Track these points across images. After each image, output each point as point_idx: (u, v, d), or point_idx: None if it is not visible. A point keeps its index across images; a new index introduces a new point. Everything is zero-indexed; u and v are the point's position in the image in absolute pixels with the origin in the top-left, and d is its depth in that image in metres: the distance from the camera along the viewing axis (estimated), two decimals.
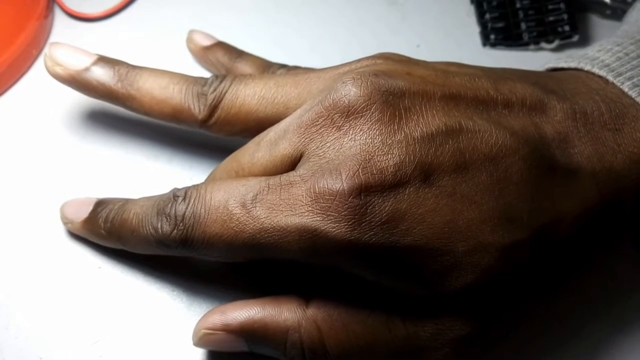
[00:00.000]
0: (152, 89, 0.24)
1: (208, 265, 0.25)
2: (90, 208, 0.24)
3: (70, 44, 0.26)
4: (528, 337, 0.24)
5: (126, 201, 0.23)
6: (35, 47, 0.30)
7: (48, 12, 0.31)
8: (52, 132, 0.28)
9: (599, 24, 0.33)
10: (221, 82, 0.24)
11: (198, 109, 0.24)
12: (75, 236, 0.25)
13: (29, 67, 0.30)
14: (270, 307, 0.21)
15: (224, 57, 0.28)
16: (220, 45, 0.29)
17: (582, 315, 0.25)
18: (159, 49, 0.31)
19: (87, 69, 0.25)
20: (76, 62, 0.25)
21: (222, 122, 0.24)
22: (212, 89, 0.24)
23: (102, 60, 0.25)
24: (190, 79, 0.25)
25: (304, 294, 0.22)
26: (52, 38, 0.31)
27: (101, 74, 0.25)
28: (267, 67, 0.27)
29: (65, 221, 0.25)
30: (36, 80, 0.30)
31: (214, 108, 0.24)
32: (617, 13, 0.33)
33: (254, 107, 0.23)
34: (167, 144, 0.28)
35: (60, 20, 0.32)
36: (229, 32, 0.31)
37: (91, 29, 0.31)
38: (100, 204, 0.24)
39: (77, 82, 0.25)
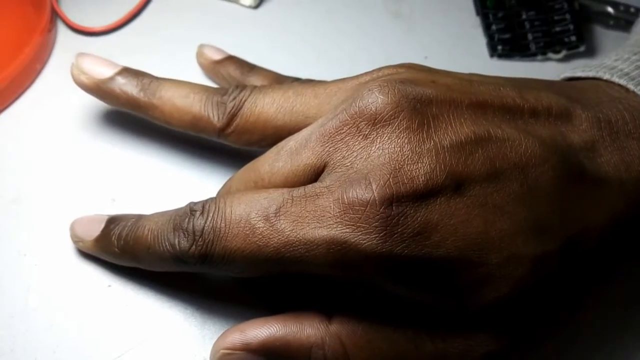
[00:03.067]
0: (173, 98, 0.25)
1: (221, 282, 0.24)
2: (102, 226, 0.23)
3: (97, 55, 0.26)
4: (551, 349, 0.24)
5: (139, 217, 0.23)
6: (39, 62, 0.30)
7: (51, 26, 0.31)
8: (56, 146, 0.28)
9: (603, 34, 0.33)
10: (241, 91, 0.24)
11: (217, 117, 0.24)
12: (84, 253, 0.25)
13: (32, 82, 0.29)
14: (292, 324, 0.21)
15: (235, 71, 0.28)
16: (232, 59, 0.29)
17: (602, 324, 0.24)
18: (162, 64, 0.30)
19: (111, 79, 0.25)
20: (101, 71, 0.25)
21: (240, 131, 0.23)
22: (231, 97, 0.24)
23: (127, 70, 0.26)
24: (210, 89, 0.25)
25: (325, 309, 0.21)
26: (56, 52, 0.31)
27: (125, 84, 0.25)
28: (280, 81, 0.27)
29: (76, 239, 0.24)
30: (40, 95, 0.29)
31: (232, 116, 0.23)
32: (621, 23, 0.33)
33: (272, 115, 0.23)
34: (178, 152, 0.28)
35: (63, 34, 0.31)
36: (237, 46, 0.31)
37: (94, 43, 0.31)
38: (112, 221, 0.23)
39: (101, 91, 0.25)
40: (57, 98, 0.29)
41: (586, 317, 0.24)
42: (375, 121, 0.20)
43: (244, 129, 0.23)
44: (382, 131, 0.20)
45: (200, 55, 0.29)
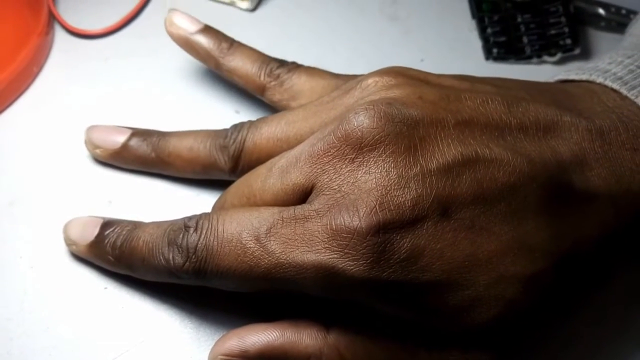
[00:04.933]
0: (181, 153, 0.25)
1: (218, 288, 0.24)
2: (97, 231, 0.23)
3: (104, 125, 0.27)
4: (551, 351, 0.24)
5: (134, 226, 0.23)
6: (36, 65, 0.30)
7: (49, 29, 0.31)
8: (53, 149, 0.28)
9: (596, 37, 0.33)
10: (239, 132, 0.24)
11: (224, 162, 0.24)
12: (80, 256, 0.25)
13: (29, 85, 0.30)
14: (290, 332, 0.21)
15: (213, 46, 0.27)
16: (209, 31, 0.27)
17: (600, 331, 0.25)
18: (159, 67, 0.31)
19: (124, 147, 0.26)
20: (112, 142, 0.26)
21: (248, 169, 0.24)
22: (231, 140, 0.24)
23: (135, 134, 0.26)
24: (211, 134, 0.25)
25: (322, 317, 0.21)
26: (53, 55, 0.31)
27: (136, 149, 0.26)
28: (262, 63, 0.26)
29: (69, 242, 0.24)
30: (37, 97, 0.29)
31: (237, 158, 0.24)
32: (612, 25, 0.33)
33: (271, 149, 0.23)
34: None
35: (61, 37, 0.31)
36: None
37: (92, 45, 0.31)
38: (106, 225, 0.23)
39: (117, 159, 0.27)
40: (54, 100, 0.29)
41: (585, 319, 0.24)
42: (361, 146, 0.20)
43: (250, 167, 0.24)
44: (369, 156, 0.20)
45: (169, 24, 0.27)
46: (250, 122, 0.25)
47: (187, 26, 0.27)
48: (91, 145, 0.27)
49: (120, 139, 0.26)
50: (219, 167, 0.25)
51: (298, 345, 0.21)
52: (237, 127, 0.25)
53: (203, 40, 0.27)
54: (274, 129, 0.24)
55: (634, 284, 0.26)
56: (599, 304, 0.25)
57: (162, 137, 0.26)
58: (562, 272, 0.20)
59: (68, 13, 0.32)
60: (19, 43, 0.29)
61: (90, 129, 0.27)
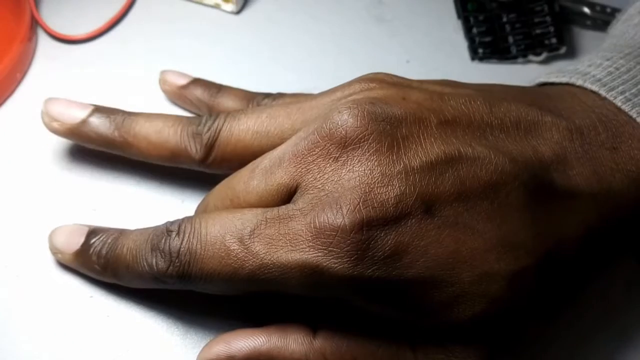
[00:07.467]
0: (148, 134, 0.24)
1: (204, 292, 0.24)
2: (82, 239, 0.23)
3: (65, 98, 0.25)
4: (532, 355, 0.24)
5: (119, 234, 0.23)
6: (20, 71, 0.29)
7: (32, 35, 0.30)
8: (37, 155, 0.28)
9: (580, 35, 0.33)
10: (215, 120, 0.24)
11: (195, 150, 0.24)
12: (66, 264, 0.25)
13: (13, 91, 0.29)
14: (276, 337, 0.21)
15: (203, 94, 0.27)
16: (198, 81, 0.28)
17: (586, 329, 0.25)
18: (144, 71, 0.30)
19: (83, 122, 0.25)
20: (72, 116, 0.25)
21: (220, 160, 0.23)
22: (206, 128, 0.23)
23: (98, 110, 0.25)
24: (184, 120, 0.24)
25: (310, 321, 0.21)
26: (37, 61, 0.30)
27: (98, 125, 0.25)
28: (250, 99, 0.27)
29: (55, 251, 0.24)
30: (21, 103, 0.29)
31: (210, 147, 0.23)
32: (597, 23, 0.33)
33: (249, 142, 0.23)
34: (156, 167, 0.27)
35: (44, 43, 0.31)
36: (219, 52, 0.31)
37: (75, 50, 0.31)
38: (92, 234, 0.23)
39: (76, 136, 0.25)
40: (38, 106, 0.29)
41: (585, 318, 0.25)
42: (345, 144, 0.20)
43: (223, 158, 0.23)
44: (352, 154, 0.20)
45: (163, 82, 0.29)
46: (227, 113, 0.24)
47: (179, 80, 0.28)
48: (47, 117, 0.25)
49: (81, 114, 0.25)
50: (188, 155, 0.24)
51: (284, 351, 0.21)
52: (213, 116, 0.24)
53: (193, 90, 0.28)
54: (254, 121, 0.23)
55: (633, 283, 0.26)
56: (599, 303, 0.25)
57: (127, 117, 0.25)
58: (545, 269, 0.20)
59: (51, 18, 0.31)
60: (1, 50, 0.29)
61: (50, 100, 0.25)
